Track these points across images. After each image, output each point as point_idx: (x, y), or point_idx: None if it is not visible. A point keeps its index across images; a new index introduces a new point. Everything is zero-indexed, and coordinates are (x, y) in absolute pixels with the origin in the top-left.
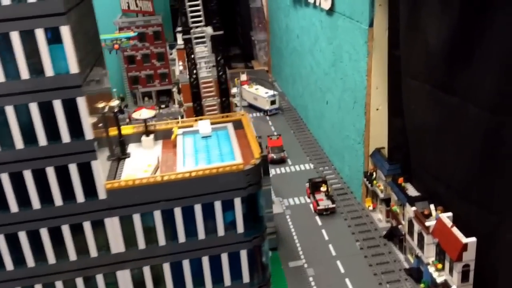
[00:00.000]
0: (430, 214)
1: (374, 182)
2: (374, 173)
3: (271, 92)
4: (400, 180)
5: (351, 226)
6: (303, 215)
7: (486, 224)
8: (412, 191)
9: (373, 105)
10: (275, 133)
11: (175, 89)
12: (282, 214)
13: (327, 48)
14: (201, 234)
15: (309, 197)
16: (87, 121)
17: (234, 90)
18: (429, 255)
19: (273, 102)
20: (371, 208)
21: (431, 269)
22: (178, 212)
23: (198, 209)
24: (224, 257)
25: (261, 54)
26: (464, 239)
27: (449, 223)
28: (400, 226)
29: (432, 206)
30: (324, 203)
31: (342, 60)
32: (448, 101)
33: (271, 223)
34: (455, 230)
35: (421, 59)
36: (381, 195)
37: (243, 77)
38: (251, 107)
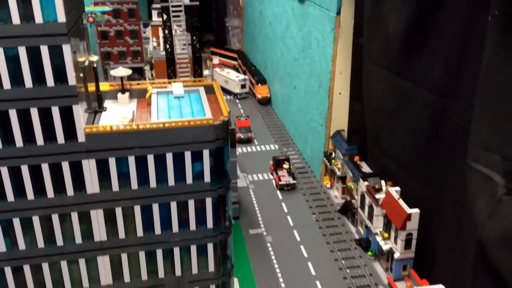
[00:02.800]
0: (380, 189)
1: (333, 161)
2: (333, 153)
3: (242, 76)
4: (356, 158)
5: (309, 201)
6: (266, 190)
7: (429, 197)
8: (366, 169)
9: (336, 90)
10: (244, 115)
11: (147, 67)
12: (246, 188)
13: (297, 34)
14: (171, 181)
15: (272, 174)
16: (71, 67)
17: (206, 73)
18: (377, 225)
19: (243, 86)
20: (328, 185)
21: (378, 238)
22: (150, 159)
23: (169, 157)
24: (191, 204)
25: (234, 40)
26: (409, 210)
27: (396, 196)
28: (353, 201)
29: (383, 182)
30: (286, 179)
31: (311, 47)
32: (402, 85)
33: (235, 193)
34: (401, 202)
35: (381, 46)
36: (338, 173)
37: (215, 60)
38: (222, 90)
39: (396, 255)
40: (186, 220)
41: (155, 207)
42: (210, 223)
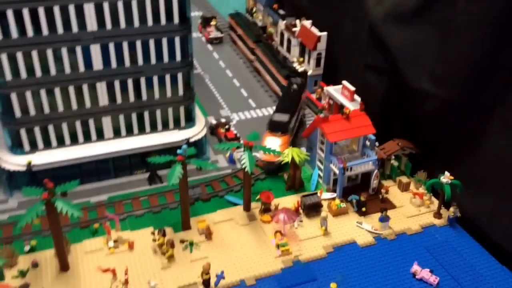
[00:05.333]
0: (295, 25)
1: (254, 14)
2: (254, 8)
3: None
4: (275, 6)
5: (236, 50)
6: (197, 46)
7: (333, 22)
8: (283, 13)
9: None
10: None
11: None
12: None
13: None
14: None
15: (200, 32)
16: None
17: None
18: (294, 54)
19: None
20: None
21: (295, 64)
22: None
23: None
24: (164, 41)
25: None
26: (319, 33)
27: (309, 24)
28: (273, 43)
29: (297, 21)
30: (214, 34)
31: None
32: None
33: None
34: (313, 29)
35: None
36: (259, 23)
37: None
38: None
39: (309, 72)
40: (160, 54)
41: (138, 44)
42: (178, 57)
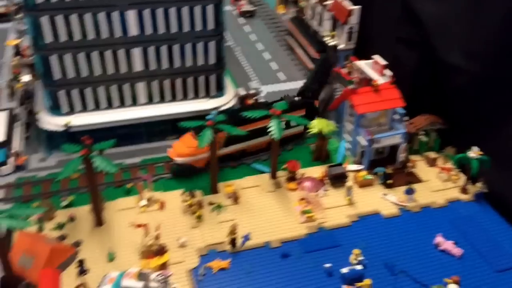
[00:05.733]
0: None
1: None
2: None
3: None
4: None
5: (267, 24)
6: (229, 19)
7: None
8: None
9: None
10: None
11: None
12: None
13: None
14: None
15: (233, 4)
16: None
17: None
18: (326, 28)
19: None
20: (283, 12)
21: (327, 38)
22: None
23: None
24: (197, 10)
25: None
26: (350, 7)
27: None
28: (303, 17)
29: None
30: (246, 7)
31: None
32: None
33: None
34: (345, 2)
35: None
36: None
37: None
38: None
39: (341, 46)
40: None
41: (172, 11)
42: (211, 25)
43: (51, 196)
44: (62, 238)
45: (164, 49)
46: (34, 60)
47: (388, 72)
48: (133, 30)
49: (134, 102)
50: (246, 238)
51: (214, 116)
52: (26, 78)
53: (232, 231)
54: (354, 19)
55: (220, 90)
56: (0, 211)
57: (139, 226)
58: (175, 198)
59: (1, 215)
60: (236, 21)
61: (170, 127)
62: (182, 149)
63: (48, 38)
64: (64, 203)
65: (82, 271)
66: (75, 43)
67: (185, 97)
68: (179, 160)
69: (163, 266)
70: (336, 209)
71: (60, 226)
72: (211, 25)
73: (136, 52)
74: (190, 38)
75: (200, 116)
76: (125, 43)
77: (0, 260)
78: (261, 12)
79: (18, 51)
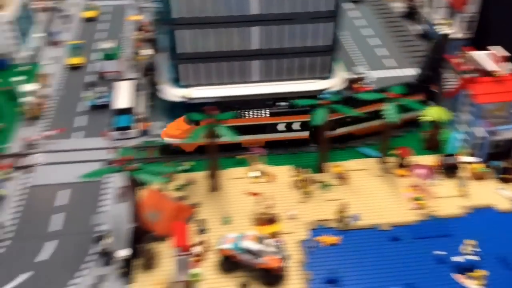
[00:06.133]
0: None
1: None
2: None
3: None
4: None
5: (376, 10)
6: None
7: None
8: None
9: None
10: None
11: None
12: None
13: None
14: None
15: None
16: None
17: None
18: (439, 16)
19: None
20: None
21: (440, 26)
22: None
23: None
24: None
25: None
26: None
27: None
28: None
29: None
30: None
31: None
32: None
33: None
34: None
35: None
36: None
37: None
38: None
39: (455, 35)
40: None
41: None
42: (329, 6)
43: (172, 160)
44: (183, 198)
45: (281, 28)
46: (161, 34)
47: (508, 65)
48: (254, 8)
49: (248, 79)
50: (356, 218)
51: (329, 96)
52: (147, 51)
53: (342, 210)
54: (472, 8)
55: (329, 72)
56: (139, 167)
57: (253, 194)
58: (283, 172)
59: (140, 171)
60: (346, 6)
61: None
62: (172, 130)
63: (177, 13)
64: (183, 168)
65: (202, 230)
66: (200, 19)
67: (295, 76)
68: (167, 140)
69: (274, 235)
70: (448, 199)
71: (180, 188)
72: (330, 5)
73: (255, 31)
74: (306, 18)
75: (307, 96)
76: (245, 21)
77: (133, 212)
78: None
79: (139, 27)
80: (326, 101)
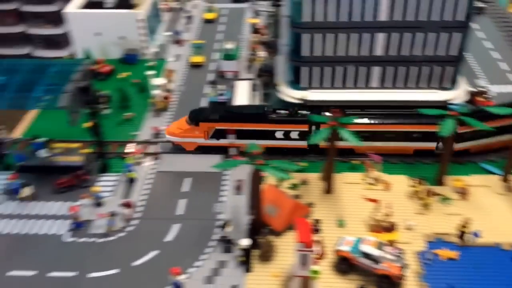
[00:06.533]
0: None
1: None
2: None
3: None
4: None
5: (497, 23)
6: None
7: None
8: None
9: None
10: None
11: None
12: None
13: None
14: None
15: None
16: None
17: None
18: None
19: None
20: None
21: None
22: None
23: None
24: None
25: None
26: None
27: None
28: None
29: None
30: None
31: None
32: None
33: None
34: None
35: None
36: None
37: None
38: None
39: None
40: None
41: None
42: (460, 17)
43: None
44: (297, 197)
45: (407, 36)
46: (282, 37)
47: None
48: (383, 15)
49: (367, 85)
50: (476, 234)
51: (457, 108)
52: (262, 53)
53: (464, 225)
54: None
55: (453, 83)
56: (267, 162)
57: (371, 200)
58: (400, 182)
59: (267, 166)
60: None
61: None
62: (174, 129)
63: (306, 17)
64: (298, 167)
65: (316, 230)
66: (327, 24)
67: (417, 85)
68: (169, 137)
69: (390, 243)
70: None
71: (294, 187)
72: (460, 15)
73: (380, 37)
74: (436, 27)
75: (428, 106)
76: (371, 27)
77: (255, 205)
78: (491, 10)
79: (255, 29)
80: (455, 112)
